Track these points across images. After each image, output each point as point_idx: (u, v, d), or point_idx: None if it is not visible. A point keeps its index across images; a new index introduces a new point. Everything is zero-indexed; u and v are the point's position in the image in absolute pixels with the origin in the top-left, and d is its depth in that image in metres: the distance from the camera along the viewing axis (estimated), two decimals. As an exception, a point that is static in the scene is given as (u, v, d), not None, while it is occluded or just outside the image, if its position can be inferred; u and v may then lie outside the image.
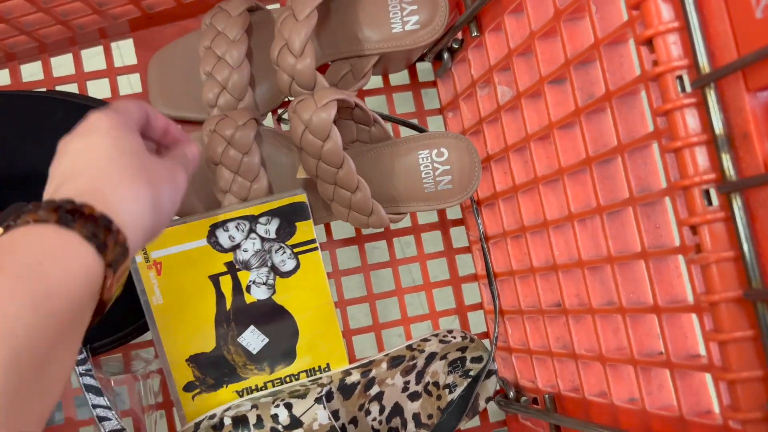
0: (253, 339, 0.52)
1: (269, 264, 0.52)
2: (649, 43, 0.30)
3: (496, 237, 0.55)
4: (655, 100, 0.34)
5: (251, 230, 0.51)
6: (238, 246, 0.51)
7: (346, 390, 0.54)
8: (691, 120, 0.29)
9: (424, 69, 0.63)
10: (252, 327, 0.52)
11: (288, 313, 0.52)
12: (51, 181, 0.33)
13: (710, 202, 0.28)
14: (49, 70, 0.57)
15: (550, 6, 0.42)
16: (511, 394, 0.55)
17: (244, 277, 0.51)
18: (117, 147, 0.34)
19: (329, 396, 0.53)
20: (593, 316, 0.44)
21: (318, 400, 0.50)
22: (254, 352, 0.52)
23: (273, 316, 0.52)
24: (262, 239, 0.51)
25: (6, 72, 0.58)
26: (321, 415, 0.49)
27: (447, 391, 0.55)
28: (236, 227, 0.51)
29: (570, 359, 0.47)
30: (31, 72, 0.58)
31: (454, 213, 0.62)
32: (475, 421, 0.59)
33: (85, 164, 0.33)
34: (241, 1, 0.54)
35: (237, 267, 0.51)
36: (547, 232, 0.47)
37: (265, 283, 0.52)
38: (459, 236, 0.61)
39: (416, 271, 0.61)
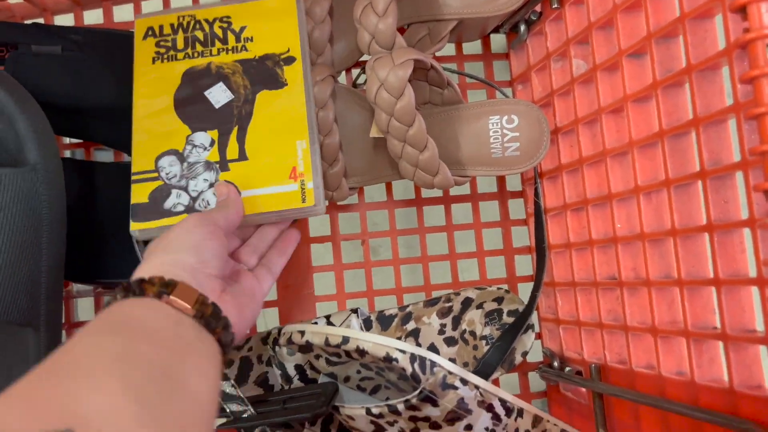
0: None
1: None
2: (742, 10, 0.30)
3: (555, 209, 0.56)
4: (739, 74, 0.35)
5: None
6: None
7: (384, 321, 0.56)
8: (777, 87, 0.29)
9: (498, 41, 0.64)
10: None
11: None
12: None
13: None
14: (140, 10, 0.60)
15: (637, -21, 0.43)
16: (556, 364, 0.56)
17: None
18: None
19: (368, 323, 0.55)
20: (649, 289, 0.44)
21: (353, 311, 0.54)
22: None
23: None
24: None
25: (100, 11, 0.61)
26: (354, 323, 0.52)
27: (484, 342, 0.56)
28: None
29: (620, 331, 0.48)
30: (121, 16, 0.61)
31: (513, 185, 0.63)
32: (515, 389, 0.61)
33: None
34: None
35: None
36: (609, 205, 0.48)
37: None
38: (516, 208, 0.62)
39: (470, 239, 0.62)
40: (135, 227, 0.49)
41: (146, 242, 0.54)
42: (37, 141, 0.43)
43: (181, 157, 0.50)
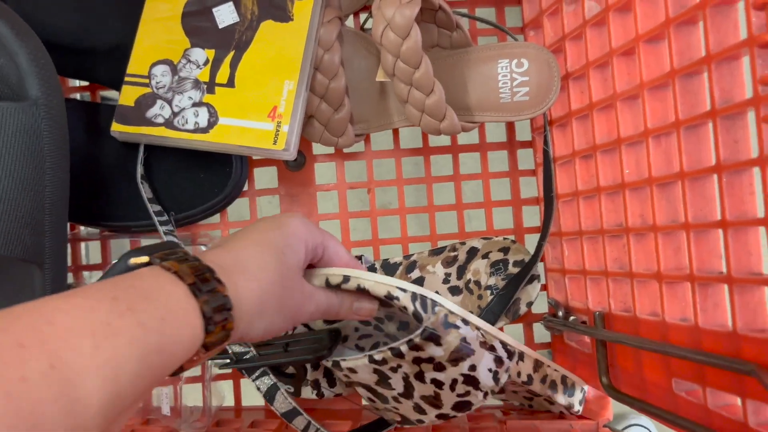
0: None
1: None
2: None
3: (564, 157, 0.55)
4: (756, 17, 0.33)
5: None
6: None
7: (389, 269, 0.56)
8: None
9: (510, -13, 0.62)
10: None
11: None
12: (216, 243, 0.35)
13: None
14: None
15: None
16: (560, 313, 0.56)
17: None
18: (280, 262, 0.37)
19: (372, 270, 0.55)
20: (656, 234, 0.44)
21: (357, 257, 0.55)
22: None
23: None
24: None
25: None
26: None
27: (489, 292, 0.56)
28: None
29: (625, 279, 0.47)
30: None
31: (523, 134, 0.62)
32: (520, 339, 0.61)
33: (247, 255, 0.35)
34: None
35: None
36: (619, 151, 0.47)
37: None
38: (525, 158, 0.61)
39: (478, 189, 0.61)
40: (116, 128, 0.50)
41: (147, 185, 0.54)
42: (39, 75, 0.43)
43: (174, 70, 0.50)
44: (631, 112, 0.46)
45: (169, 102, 0.50)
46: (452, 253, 0.58)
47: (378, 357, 0.43)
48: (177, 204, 0.53)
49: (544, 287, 0.60)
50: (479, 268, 0.58)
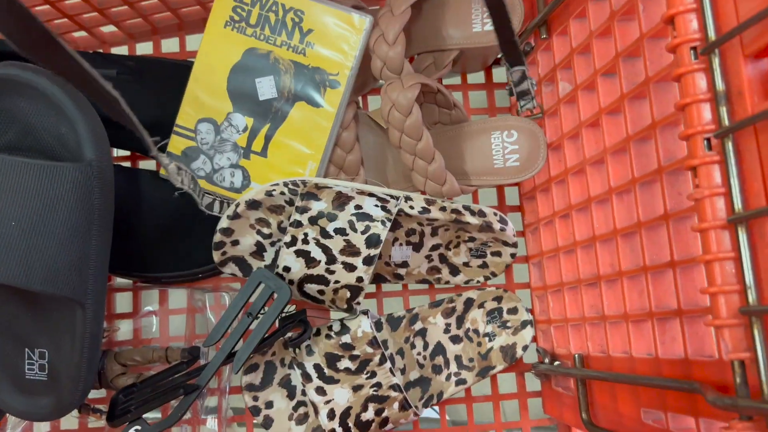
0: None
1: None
2: (671, 21, 0.37)
3: (546, 218, 0.62)
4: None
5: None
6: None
7: (394, 322, 0.62)
8: (699, 81, 0.35)
9: (498, 74, 0.71)
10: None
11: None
12: None
13: (709, 148, 0.35)
14: (185, 45, 0.69)
15: (608, 8, 0.50)
16: (547, 360, 0.61)
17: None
18: None
19: (378, 325, 0.61)
20: (622, 279, 0.49)
21: (364, 313, 0.59)
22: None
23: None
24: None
25: (150, 44, 0.70)
26: (364, 323, 0.57)
27: (487, 339, 0.61)
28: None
29: (600, 322, 0.53)
30: (168, 47, 0.70)
31: (512, 199, 0.69)
32: (513, 388, 0.65)
33: None
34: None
35: None
36: (590, 208, 0.54)
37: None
38: (514, 221, 0.68)
39: (473, 249, 0.68)
40: (164, 172, 0.59)
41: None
42: (94, 141, 0.51)
43: (217, 130, 0.58)
44: (599, 174, 0.53)
45: (211, 159, 0.58)
46: (450, 305, 0.64)
47: (287, 239, 0.56)
48: (208, 254, 0.60)
49: (534, 338, 0.65)
50: (476, 317, 0.63)
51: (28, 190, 0.49)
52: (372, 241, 0.55)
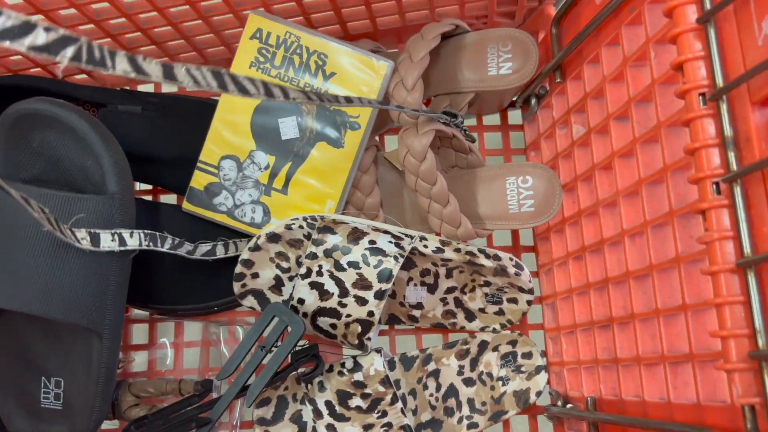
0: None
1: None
2: (680, 68, 0.38)
3: (560, 259, 0.62)
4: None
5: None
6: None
7: (407, 361, 0.62)
8: (707, 127, 0.36)
9: (514, 116, 0.72)
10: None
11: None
12: None
13: (718, 192, 0.35)
14: (208, 83, 0.71)
15: (620, 54, 0.51)
16: (559, 403, 0.60)
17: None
18: None
19: (391, 364, 0.61)
20: (634, 322, 0.49)
21: (377, 351, 0.59)
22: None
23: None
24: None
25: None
26: (377, 361, 0.57)
27: (500, 383, 0.61)
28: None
29: (613, 365, 0.52)
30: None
31: (526, 239, 0.69)
32: (525, 430, 0.65)
33: None
34: (367, 42, 0.67)
35: None
36: (603, 250, 0.54)
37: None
38: (527, 261, 0.68)
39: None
40: (186, 206, 0.61)
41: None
42: (118, 174, 0.52)
43: (240, 166, 0.59)
44: (612, 217, 0.54)
45: (233, 195, 0.60)
46: (464, 347, 0.64)
47: (302, 271, 0.57)
48: (227, 287, 0.61)
49: (548, 381, 0.64)
50: (491, 360, 0.63)
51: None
52: (384, 276, 0.56)
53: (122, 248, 0.52)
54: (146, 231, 0.54)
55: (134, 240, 0.52)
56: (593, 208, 0.56)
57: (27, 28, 0.29)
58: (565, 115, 0.61)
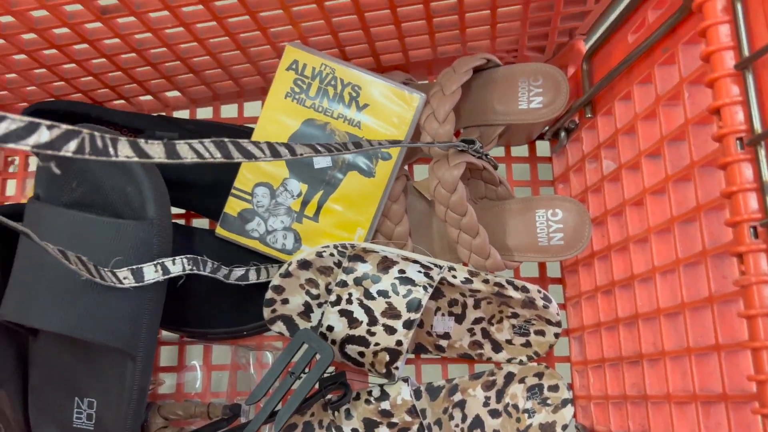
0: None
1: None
2: (717, 112, 0.38)
3: (588, 292, 0.62)
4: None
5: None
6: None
7: (433, 391, 0.62)
8: (745, 171, 0.36)
9: (542, 147, 0.73)
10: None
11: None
12: None
13: (756, 236, 0.35)
14: (242, 111, 0.73)
15: (653, 92, 0.52)
16: (586, 437, 0.60)
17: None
18: None
19: (417, 393, 0.61)
20: (665, 359, 0.49)
21: (404, 380, 0.59)
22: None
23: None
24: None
25: (209, 109, 0.74)
26: (404, 391, 0.58)
27: (526, 415, 0.61)
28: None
29: (642, 401, 0.52)
30: (227, 113, 0.74)
31: (553, 271, 0.69)
32: (550, 464, 0.64)
33: None
34: (399, 74, 0.68)
35: None
36: (633, 286, 0.54)
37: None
38: (555, 293, 0.69)
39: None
40: (220, 231, 0.62)
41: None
42: (156, 201, 0.54)
43: (273, 194, 0.61)
44: (643, 253, 0.54)
45: (265, 221, 0.61)
46: (491, 378, 0.64)
47: (332, 298, 0.58)
48: (256, 312, 0.62)
49: (574, 415, 0.64)
50: (517, 392, 0.63)
51: (93, 244, 0.52)
52: (413, 306, 0.57)
53: (166, 276, 0.53)
54: (188, 256, 0.55)
55: (177, 266, 0.54)
56: (623, 244, 0.56)
57: (31, 128, 0.31)
58: (595, 150, 0.61)
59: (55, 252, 0.41)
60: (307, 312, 0.62)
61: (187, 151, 0.38)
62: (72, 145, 0.32)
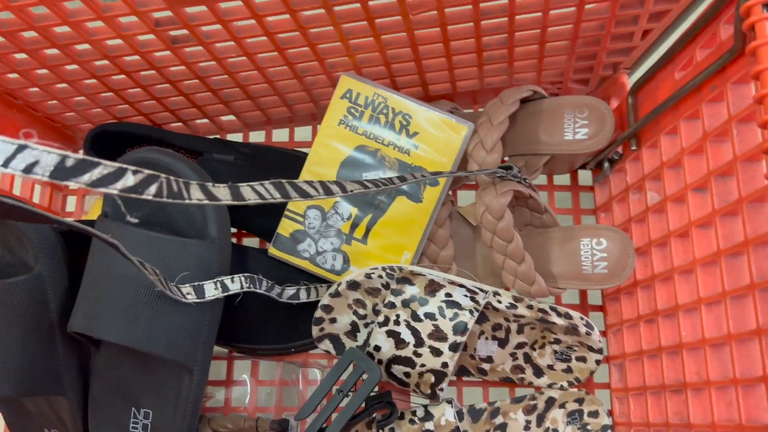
0: None
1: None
2: (769, 152, 0.40)
3: (630, 320, 0.64)
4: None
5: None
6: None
7: (475, 413, 0.64)
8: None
9: (584, 176, 0.74)
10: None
11: None
12: None
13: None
14: (293, 135, 0.76)
15: (700, 128, 0.53)
16: (627, 464, 0.61)
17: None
18: None
19: (460, 415, 0.62)
20: (710, 389, 0.50)
21: (448, 401, 0.61)
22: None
23: None
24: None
25: (262, 133, 0.77)
26: (448, 412, 0.59)
27: (567, 439, 0.62)
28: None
29: (686, 430, 0.53)
30: (278, 137, 0.77)
31: (594, 299, 0.70)
32: (589, 489, 0.65)
33: None
34: (445, 103, 0.70)
35: None
36: (677, 316, 0.55)
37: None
38: (596, 320, 0.70)
39: (553, 345, 0.69)
40: (272, 251, 0.65)
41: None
42: (218, 221, 0.56)
43: (324, 216, 0.63)
44: (687, 284, 0.55)
45: (315, 242, 0.63)
46: (532, 402, 0.65)
47: (380, 319, 0.60)
48: (305, 330, 0.64)
49: (612, 441, 0.65)
50: (557, 417, 0.64)
51: (157, 260, 0.54)
52: (459, 329, 0.58)
53: (225, 294, 0.55)
54: (246, 275, 0.57)
55: (236, 284, 0.56)
56: (667, 274, 0.57)
57: (119, 173, 0.34)
58: (639, 182, 0.63)
59: (136, 263, 0.44)
60: (353, 332, 0.64)
61: (250, 193, 0.41)
62: (152, 189, 0.35)
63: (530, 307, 0.61)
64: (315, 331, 0.64)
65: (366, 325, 0.64)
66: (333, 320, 0.63)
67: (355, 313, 0.63)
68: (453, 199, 0.69)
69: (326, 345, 0.64)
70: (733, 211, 0.50)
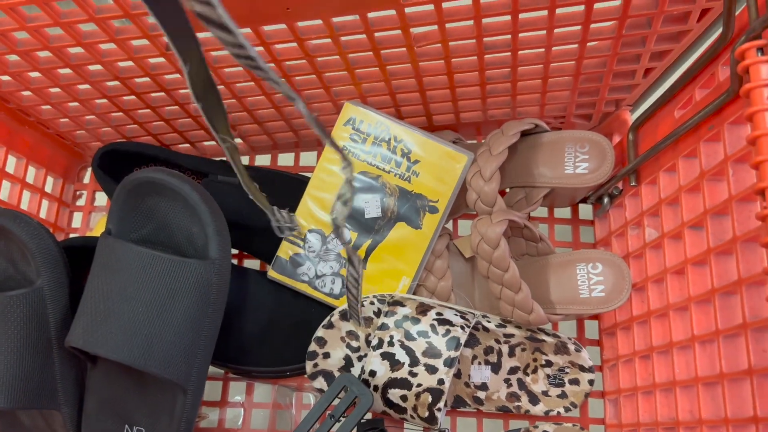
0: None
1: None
2: (762, 193, 0.40)
3: (626, 356, 0.63)
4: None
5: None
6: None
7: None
8: (787, 251, 0.38)
9: (585, 210, 0.75)
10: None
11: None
12: None
13: (796, 314, 0.37)
14: (299, 160, 0.77)
15: (698, 167, 0.54)
16: (619, 501, 0.60)
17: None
18: None
19: None
20: (702, 428, 0.50)
21: (441, 431, 0.61)
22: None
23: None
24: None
25: (268, 156, 0.78)
26: None
27: (561, 474, 0.61)
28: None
29: (677, 469, 0.53)
30: (283, 161, 0.78)
31: (591, 332, 0.70)
32: None
33: None
34: (449, 133, 0.71)
35: None
36: (671, 353, 0.55)
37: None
38: (593, 356, 0.70)
39: (549, 378, 0.69)
40: (271, 274, 0.65)
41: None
42: (219, 243, 0.57)
43: (324, 240, 0.64)
44: (682, 321, 0.55)
45: (315, 266, 0.64)
46: (525, 436, 0.65)
47: (374, 342, 0.60)
48: (301, 354, 0.64)
49: (606, 477, 0.65)
50: None
51: (157, 280, 0.55)
52: (452, 344, 0.59)
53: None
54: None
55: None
56: (663, 311, 0.57)
57: None
58: (638, 217, 0.63)
59: (276, 212, 0.45)
60: (347, 366, 0.64)
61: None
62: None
63: (519, 326, 0.61)
64: (309, 367, 0.64)
65: (359, 359, 0.64)
66: (326, 355, 0.64)
67: (348, 345, 0.64)
68: (451, 233, 0.69)
69: (320, 383, 0.65)
70: (727, 250, 0.50)
